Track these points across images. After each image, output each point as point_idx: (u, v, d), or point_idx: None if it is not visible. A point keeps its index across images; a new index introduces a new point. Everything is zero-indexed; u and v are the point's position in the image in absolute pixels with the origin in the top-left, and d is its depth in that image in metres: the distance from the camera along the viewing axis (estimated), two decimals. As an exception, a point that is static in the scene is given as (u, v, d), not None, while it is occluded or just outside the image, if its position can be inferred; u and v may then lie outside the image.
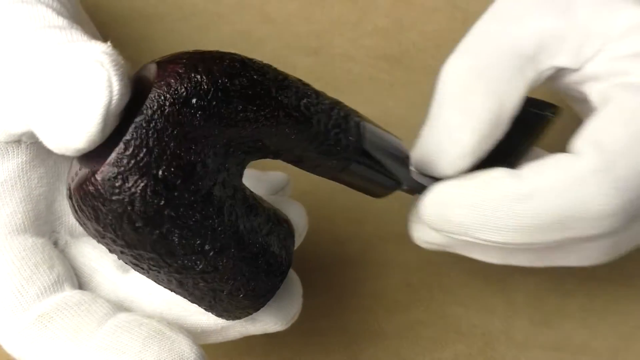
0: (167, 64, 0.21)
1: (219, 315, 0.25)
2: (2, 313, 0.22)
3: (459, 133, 0.27)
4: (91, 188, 0.20)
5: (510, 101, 0.27)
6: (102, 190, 0.20)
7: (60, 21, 0.22)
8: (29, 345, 0.22)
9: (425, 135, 0.28)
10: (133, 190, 0.20)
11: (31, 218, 0.24)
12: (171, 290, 0.23)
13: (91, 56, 0.20)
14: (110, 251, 0.22)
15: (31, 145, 0.24)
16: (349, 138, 0.24)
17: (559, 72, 0.29)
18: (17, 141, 0.23)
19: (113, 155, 0.20)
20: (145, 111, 0.20)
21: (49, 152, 0.24)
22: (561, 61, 0.28)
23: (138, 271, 0.23)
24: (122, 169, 0.20)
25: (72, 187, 0.21)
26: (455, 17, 0.40)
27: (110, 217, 0.20)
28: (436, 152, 0.28)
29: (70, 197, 0.21)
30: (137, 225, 0.20)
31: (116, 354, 0.22)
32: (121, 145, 0.20)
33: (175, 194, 0.20)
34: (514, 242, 0.26)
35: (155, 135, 0.20)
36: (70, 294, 0.23)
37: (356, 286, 0.35)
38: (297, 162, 0.24)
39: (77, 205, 0.21)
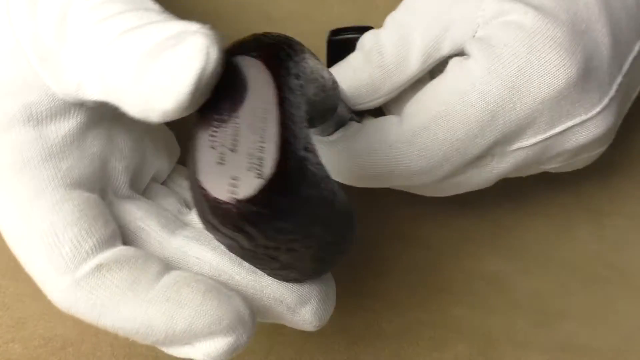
0: (261, 51, 0.21)
1: (275, 277, 0.25)
2: (60, 263, 0.23)
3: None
4: (254, 209, 0.20)
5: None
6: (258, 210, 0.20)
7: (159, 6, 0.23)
8: (87, 296, 0.22)
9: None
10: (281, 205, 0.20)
11: (86, 175, 0.24)
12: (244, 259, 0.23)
13: (192, 27, 0.20)
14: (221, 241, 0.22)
15: (90, 109, 0.25)
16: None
17: None
18: (81, 104, 0.24)
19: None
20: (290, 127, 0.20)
21: (102, 117, 0.25)
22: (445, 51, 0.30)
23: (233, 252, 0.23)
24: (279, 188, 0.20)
25: (217, 195, 0.20)
26: (455, 17, 0.40)
27: (256, 229, 0.20)
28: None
29: (209, 200, 0.20)
30: (280, 227, 0.20)
31: (177, 306, 0.22)
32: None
33: (309, 190, 0.21)
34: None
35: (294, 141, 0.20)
36: (125, 248, 0.24)
37: (356, 286, 0.35)
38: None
39: (220, 219, 0.20)
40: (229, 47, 0.22)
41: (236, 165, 0.20)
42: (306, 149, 0.21)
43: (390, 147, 0.28)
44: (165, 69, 0.20)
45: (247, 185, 0.20)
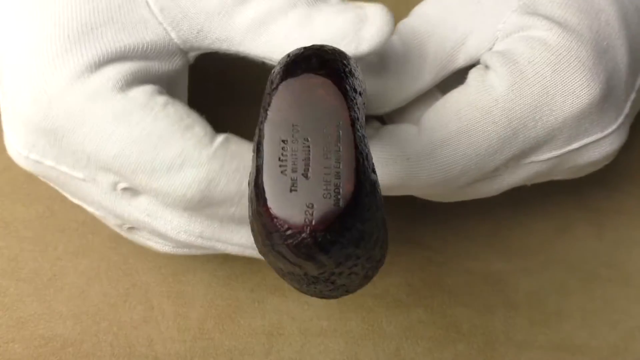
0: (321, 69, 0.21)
1: (310, 294, 0.24)
2: (194, 145, 0.25)
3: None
4: (331, 237, 0.19)
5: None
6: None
7: None
8: (222, 165, 0.26)
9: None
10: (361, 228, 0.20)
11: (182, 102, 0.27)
12: None
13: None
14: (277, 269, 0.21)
15: (183, 65, 0.28)
16: None
17: None
18: (186, 52, 0.28)
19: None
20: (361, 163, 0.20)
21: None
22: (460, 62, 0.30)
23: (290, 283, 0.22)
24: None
25: (292, 225, 0.19)
26: (455, 17, 0.40)
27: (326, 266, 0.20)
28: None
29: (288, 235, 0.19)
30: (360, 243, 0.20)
31: None
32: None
33: (377, 213, 0.20)
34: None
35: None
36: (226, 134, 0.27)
37: (356, 286, 0.35)
38: None
39: (292, 249, 0.19)
40: (289, 64, 0.21)
41: (310, 193, 0.19)
42: (373, 171, 0.20)
43: (408, 160, 0.28)
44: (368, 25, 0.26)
45: (324, 214, 0.19)
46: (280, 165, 0.20)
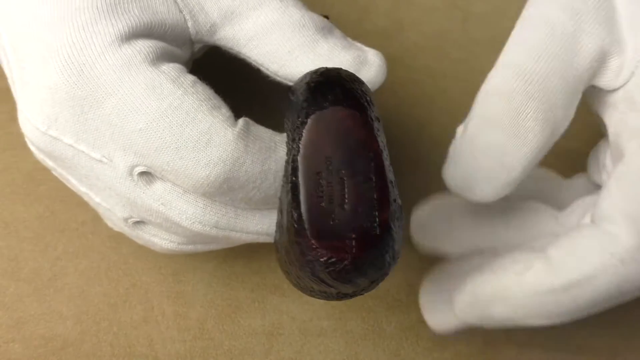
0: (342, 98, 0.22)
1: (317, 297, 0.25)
2: (222, 117, 0.25)
3: (512, 159, 0.27)
4: (369, 262, 0.21)
5: (562, 127, 0.27)
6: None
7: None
8: (246, 145, 0.25)
9: (464, 154, 0.28)
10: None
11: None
12: None
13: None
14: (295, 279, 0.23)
15: (191, 53, 0.29)
16: None
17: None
18: (193, 43, 0.29)
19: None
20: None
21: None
22: (602, 82, 0.28)
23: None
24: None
25: (335, 255, 0.21)
26: (455, 17, 0.40)
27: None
28: (480, 177, 0.27)
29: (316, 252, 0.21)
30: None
31: None
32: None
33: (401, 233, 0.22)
34: (558, 322, 0.27)
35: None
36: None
37: (356, 286, 0.35)
38: None
39: (333, 275, 0.21)
40: (315, 94, 0.22)
41: (349, 222, 0.20)
42: (395, 200, 0.21)
43: (622, 263, 0.26)
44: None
45: (364, 241, 0.20)
46: (318, 197, 0.21)
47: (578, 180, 0.33)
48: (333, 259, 0.20)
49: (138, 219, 0.28)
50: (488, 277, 0.28)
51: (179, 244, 0.29)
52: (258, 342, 0.34)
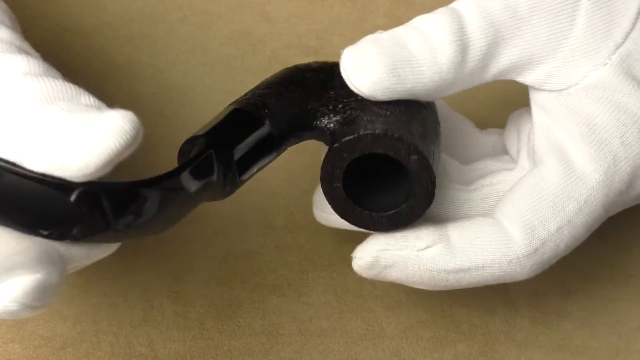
0: None
1: None
2: None
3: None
4: None
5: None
6: None
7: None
8: None
9: (375, 42, 0.29)
10: None
11: None
12: None
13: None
14: None
15: None
16: None
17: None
18: None
19: None
20: None
21: None
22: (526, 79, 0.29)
23: None
24: None
25: None
26: (455, 17, 0.40)
27: None
28: (377, 60, 0.29)
29: None
30: None
31: None
32: None
33: None
34: (446, 289, 0.30)
35: None
36: None
37: (356, 286, 0.35)
38: None
39: None
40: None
41: None
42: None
43: (509, 264, 0.28)
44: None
45: None
46: None
47: (490, 137, 0.34)
48: None
49: None
50: (391, 244, 0.29)
51: None
52: (258, 342, 0.34)
